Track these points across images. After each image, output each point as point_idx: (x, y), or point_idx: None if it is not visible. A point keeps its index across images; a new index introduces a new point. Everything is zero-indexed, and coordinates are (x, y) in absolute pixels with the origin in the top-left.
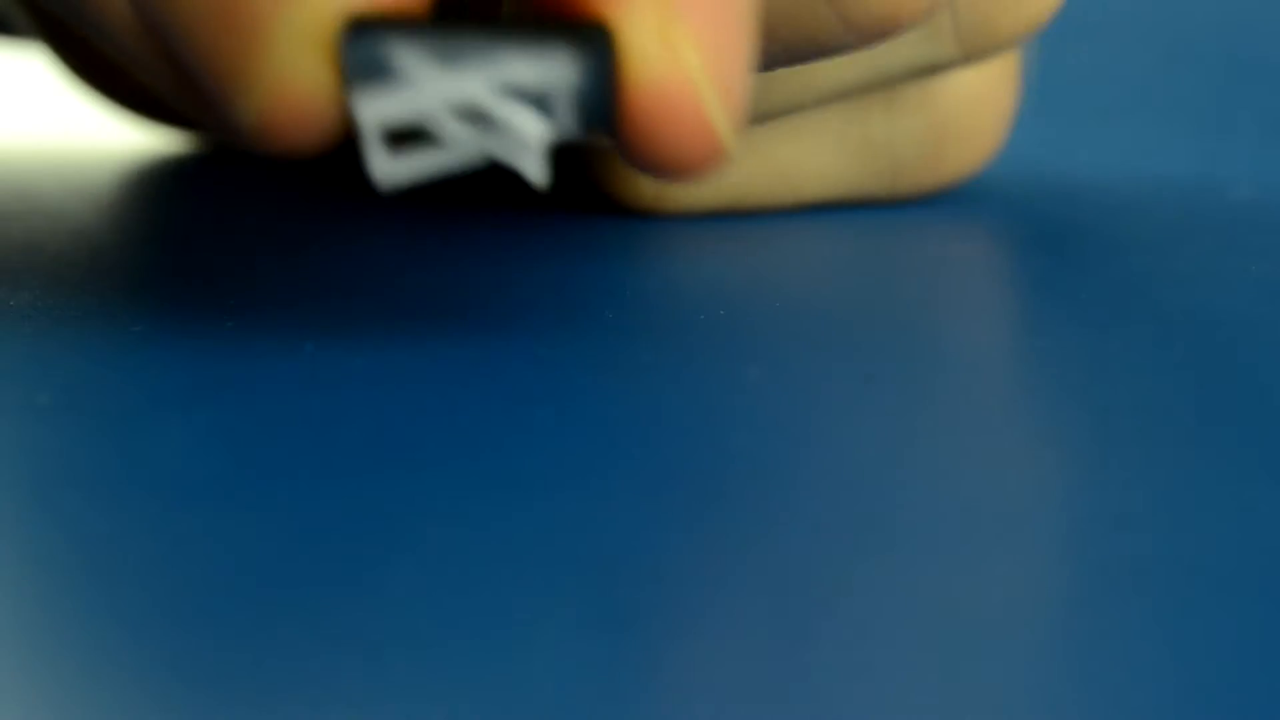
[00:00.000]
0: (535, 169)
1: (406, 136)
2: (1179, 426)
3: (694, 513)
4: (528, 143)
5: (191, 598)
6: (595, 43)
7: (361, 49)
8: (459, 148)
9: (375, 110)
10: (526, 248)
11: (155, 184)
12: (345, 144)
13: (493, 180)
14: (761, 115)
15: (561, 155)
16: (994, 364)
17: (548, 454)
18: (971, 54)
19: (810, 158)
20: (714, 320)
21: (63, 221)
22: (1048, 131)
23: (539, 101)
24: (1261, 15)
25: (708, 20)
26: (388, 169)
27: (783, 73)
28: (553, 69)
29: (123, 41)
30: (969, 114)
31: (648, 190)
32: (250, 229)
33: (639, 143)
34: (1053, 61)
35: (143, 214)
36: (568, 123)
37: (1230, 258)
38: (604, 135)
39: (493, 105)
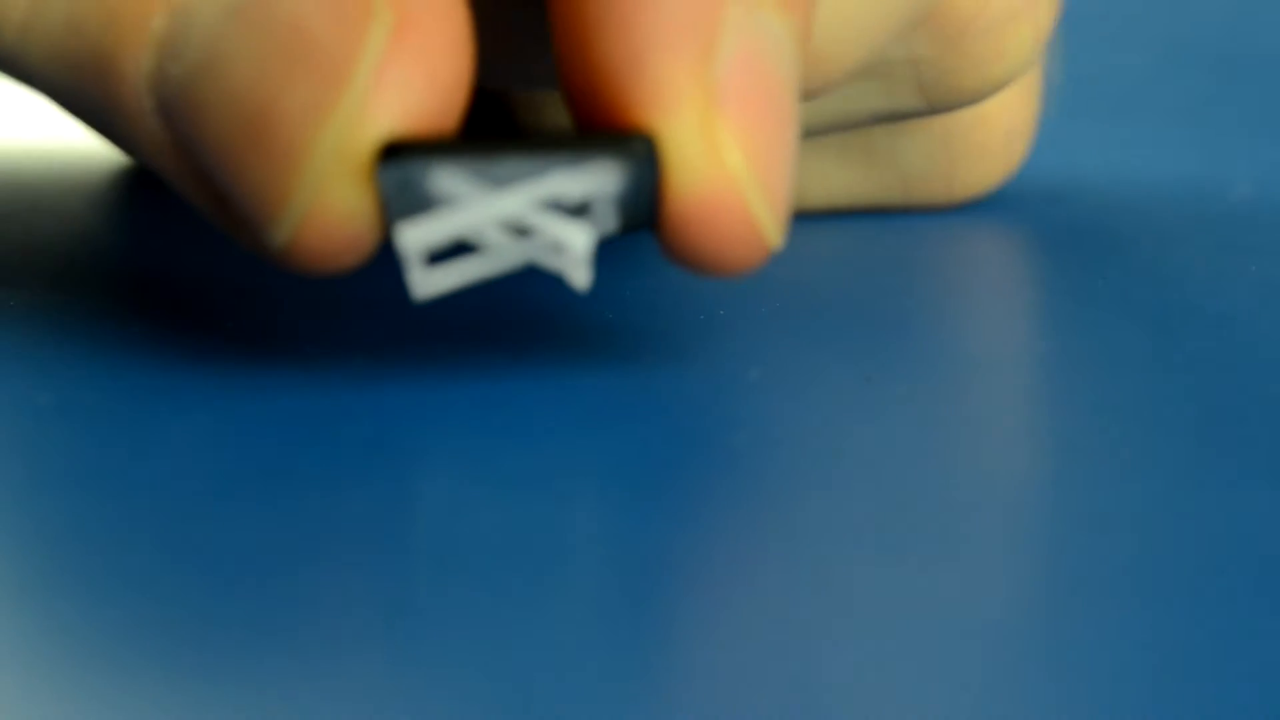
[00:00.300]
0: (580, 276)
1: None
2: (1179, 426)
3: (693, 513)
4: (573, 253)
5: (191, 597)
6: (638, 151)
7: (399, 174)
8: (500, 257)
9: (417, 236)
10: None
11: (157, 184)
12: None
13: None
14: None
15: None
16: (993, 364)
17: (546, 454)
18: (937, 107)
19: (813, 166)
20: (714, 320)
21: (63, 221)
22: (1047, 132)
23: (581, 208)
24: (1261, 15)
25: (751, 118)
26: (426, 283)
27: None
28: (596, 181)
29: (155, 158)
30: (979, 130)
31: None
32: None
33: (684, 246)
34: (1050, 60)
35: (144, 214)
36: (609, 225)
37: (1230, 257)
38: (648, 233)
39: (536, 219)
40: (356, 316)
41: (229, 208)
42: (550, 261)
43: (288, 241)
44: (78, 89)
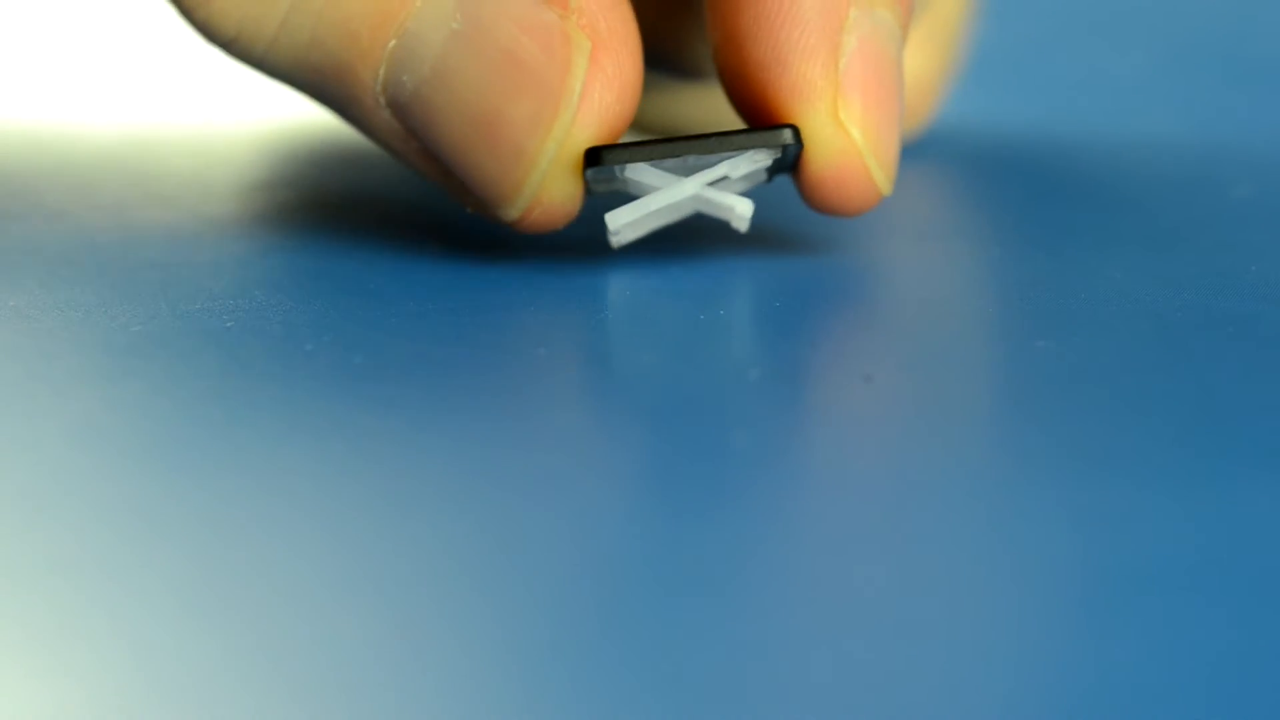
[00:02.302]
0: (743, 228)
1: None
2: (1178, 427)
3: (693, 512)
4: (740, 216)
5: (196, 598)
6: (785, 138)
7: (604, 172)
8: (675, 212)
9: (621, 219)
10: (526, 245)
11: (156, 183)
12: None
13: None
14: None
15: None
16: (993, 364)
17: (546, 454)
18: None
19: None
20: (714, 320)
21: (63, 221)
22: (1047, 131)
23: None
24: (1262, 15)
25: (868, 100)
26: (620, 240)
27: None
28: (754, 164)
29: (388, 142)
30: None
31: None
32: (252, 228)
33: (821, 198)
34: (1052, 61)
35: (143, 213)
36: (759, 183)
37: (1230, 257)
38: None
39: (708, 194)
40: (356, 316)
41: (455, 181)
42: (714, 214)
43: (516, 216)
44: (319, 87)
